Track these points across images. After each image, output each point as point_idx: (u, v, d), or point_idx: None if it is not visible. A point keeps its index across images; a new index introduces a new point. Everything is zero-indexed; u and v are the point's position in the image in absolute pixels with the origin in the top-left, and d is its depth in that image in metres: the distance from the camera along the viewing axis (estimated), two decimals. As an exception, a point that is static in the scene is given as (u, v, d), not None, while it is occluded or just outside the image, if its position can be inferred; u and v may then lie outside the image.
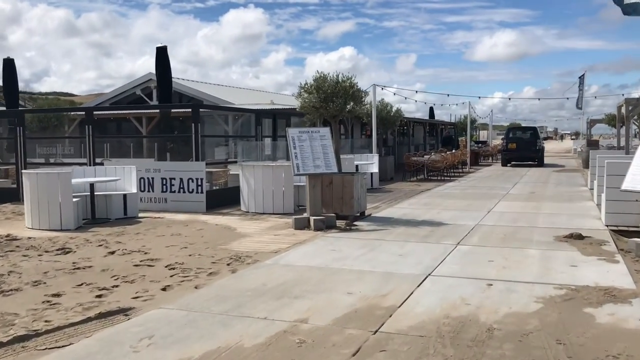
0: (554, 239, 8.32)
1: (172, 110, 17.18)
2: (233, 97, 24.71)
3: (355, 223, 9.87)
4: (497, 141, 44.97)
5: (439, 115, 55.52)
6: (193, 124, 11.71)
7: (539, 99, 38.07)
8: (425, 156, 20.56)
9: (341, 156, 15.89)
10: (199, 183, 11.45)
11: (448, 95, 24.37)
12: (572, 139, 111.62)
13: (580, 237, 8.31)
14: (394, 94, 19.58)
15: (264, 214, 11.15)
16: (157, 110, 17.81)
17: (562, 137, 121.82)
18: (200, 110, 13.33)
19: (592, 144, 28.30)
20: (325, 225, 9.28)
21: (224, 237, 8.69)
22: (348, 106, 10.50)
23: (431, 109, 51.12)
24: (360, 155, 17.05)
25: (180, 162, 12.82)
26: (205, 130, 20.65)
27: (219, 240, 8.42)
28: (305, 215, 9.59)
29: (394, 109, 19.51)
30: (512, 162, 28.55)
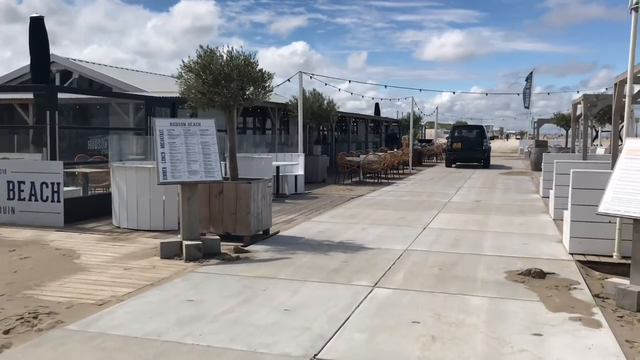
0: (505, 277, 6.13)
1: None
2: (156, 84, 21.80)
3: (248, 248, 7.46)
4: (443, 140, 43.51)
5: (389, 113, 53.95)
6: (48, 112, 8.97)
7: (486, 94, 36.67)
8: (361, 156, 18.35)
9: (258, 155, 13.48)
10: (55, 189, 8.78)
11: (385, 86, 22.07)
12: (517, 139, 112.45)
13: (540, 274, 6.15)
14: (326, 84, 17.29)
15: (137, 230, 8.59)
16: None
17: (507, 137, 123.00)
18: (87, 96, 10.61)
19: (541, 145, 26.85)
20: (203, 253, 6.82)
21: (51, 271, 6.11)
22: (247, 92, 8.06)
23: (377, 106, 49.47)
24: (284, 154, 14.62)
25: (34, 162, 10.08)
26: (103, 122, 17.80)
27: (37, 277, 5.84)
28: (177, 238, 7.11)
29: (325, 101, 17.18)
30: (457, 163, 26.76)
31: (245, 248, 7.41)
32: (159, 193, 8.58)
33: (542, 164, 14.42)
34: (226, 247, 7.42)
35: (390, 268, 6.44)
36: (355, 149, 26.42)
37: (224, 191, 7.87)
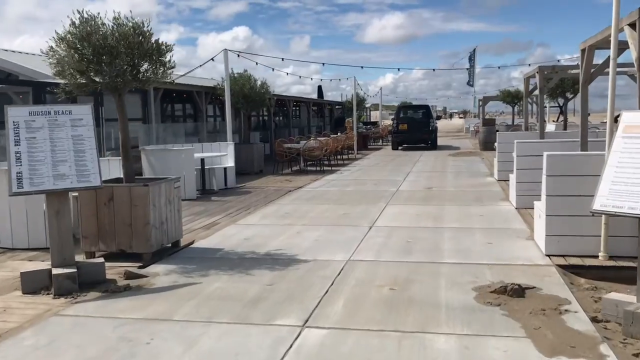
0: (475, 297, 4.72)
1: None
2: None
3: (146, 270, 5.81)
4: (389, 121, 42.42)
5: (334, 97, 52.34)
6: None
7: (433, 70, 35.57)
8: (301, 142, 16.79)
9: (179, 147, 11.65)
10: None
11: (323, 64, 20.31)
12: (460, 117, 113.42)
13: (519, 291, 4.77)
14: (257, 63, 15.57)
15: (11, 250, 6.78)
16: None
17: (451, 116, 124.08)
18: None
19: (489, 123, 25.93)
20: (82, 282, 5.14)
21: None
22: (141, 69, 6.33)
23: (319, 88, 47.90)
24: (211, 145, 12.88)
25: None
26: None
27: None
28: (46, 264, 5.38)
29: (258, 82, 15.47)
30: (404, 145, 25.57)
31: (141, 271, 5.74)
32: (38, 201, 6.77)
33: (496, 143, 13.24)
34: (117, 269, 5.76)
35: (327, 292, 4.93)
36: (298, 134, 24.83)
37: (114, 197, 6.17)
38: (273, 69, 17.84)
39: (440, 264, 5.80)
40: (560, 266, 5.61)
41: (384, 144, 30.97)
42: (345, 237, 7.20)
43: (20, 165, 5.05)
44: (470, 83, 46.36)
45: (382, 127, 34.06)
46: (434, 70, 33.88)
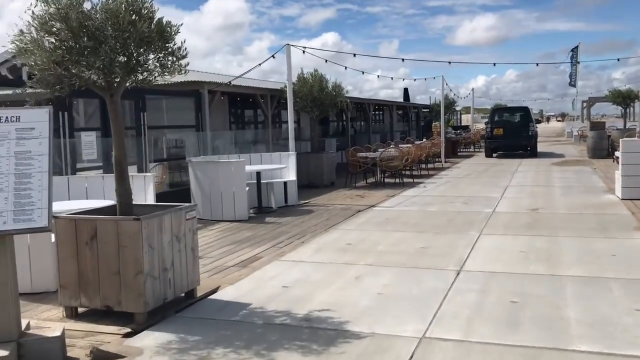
0: None
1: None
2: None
3: (132, 341, 4.07)
4: (481, 125, 39.36)
5: (423, 101, 49.65)
6: None
7: (537, 64, 32.20)
8: (379, 150, 14.76)
9: (224, 159, 9.86)
10: None
11: (403, 60, 18.01)
12: (558, 121, 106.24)
13: None
14: (326, 60, 13.77)
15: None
16: None
17: (548, 119, 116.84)
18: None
19: (598, 127, 22.69)
20: (17, 372, 3.47)
21: None
22: (140, 59, 4.64)
23: (406, 91, 45.45)
24: (271, 155, 11.16)
25: None
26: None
27: None
28: (-26, 339, 3.76)
29: (330, 83, 13.63)
30: (499, 152, 22.84)
31: (120, 347, 4.01)
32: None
33: (619, 152, 10.66)
34: (92, 339, 4.08)
35: (379, 416, 2.95)
36: (380, 140, 22.78)
37: (97, 234, 4.50)
38: (346, 67, 15.93)
39: (569, 354, 3.66)
40: None
41: (475, 150, 28.25)
42: (421, 289, 5.17)
43: None
44: (572, 83, 42.39)
45: (474, 131, 31.27)
46: (537, 64, 30.51)
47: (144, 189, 6.89)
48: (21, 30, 4.50)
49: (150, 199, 6.80)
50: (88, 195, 7.02)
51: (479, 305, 4.66)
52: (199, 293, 5.21)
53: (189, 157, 10.13)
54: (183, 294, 5.02)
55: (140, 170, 9.47)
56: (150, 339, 4.15)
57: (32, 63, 4.48)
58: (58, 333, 3.73)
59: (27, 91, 4.90)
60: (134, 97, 9.59)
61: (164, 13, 4.69)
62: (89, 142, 8.48)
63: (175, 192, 10.42)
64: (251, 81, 14.87)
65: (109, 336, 4.20)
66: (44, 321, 4.57)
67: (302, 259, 6.48)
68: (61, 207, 5.49)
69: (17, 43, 4.43)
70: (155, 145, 10.76)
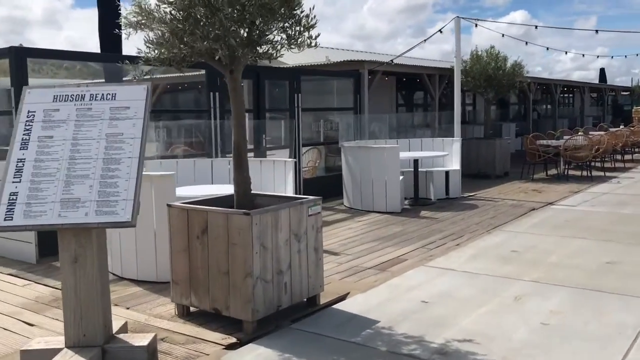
0: None
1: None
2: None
3: (234, 354, 3.53)
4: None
5: (623, 83, 44.03)
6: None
7: None
8: (564, 137, 12.88)
9: (381, 143, 8.94)
10: None
11: (596, 31, 15.36)
12: None
13: None
14: (503, 35, 12.15)
15: (120, 280, 5.15)
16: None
17: None
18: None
19: None
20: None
21: None
22: (264, 29, 4.01)
23: (602, 71, 40.67)
24: (433, 140, 10.12)
25: None
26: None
27: None
28: (58, 342, 3.41)
29: (508, 62, 12.11)
30: None
31: (224, 357, 3.47)
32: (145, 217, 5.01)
33: None
34: (188, 348, 3.61)
35: None
36: (567, 126, 20.29)
37: (208, 228, 4.01)
38: (547, 48, 14.32)
39: None
40: None
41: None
42: (602, 323, 3.94)
43: (19, 181, 3.16)
44: None
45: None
46: None
47: (284, 177, 6.40)
48: (139, 4, 4.14)
49: (290, 189, 6.28)
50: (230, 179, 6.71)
51: (687, 361, 3.35)
52: (326, 299, 4.54)
53: (341, 142, 9.53)
54: (305, 300, 4.38)
55: (292, 154, 9.09)
56: (251, 357, 3.56)
57: (147, 38, 4.10)
58: (145, 343, 3.28)
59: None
60: (289, 77, 9.21)
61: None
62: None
63: (330, 177, 9.93)
64: (417, 60, 13.86)
65: (209, 345, 3.70)
66: (153, 317, 4.24)
67: (452, 266, 5.49)
68: (185, 192, 5.16)
69: (132, 17, 4.07)
70: (309, 128, 10.34)
